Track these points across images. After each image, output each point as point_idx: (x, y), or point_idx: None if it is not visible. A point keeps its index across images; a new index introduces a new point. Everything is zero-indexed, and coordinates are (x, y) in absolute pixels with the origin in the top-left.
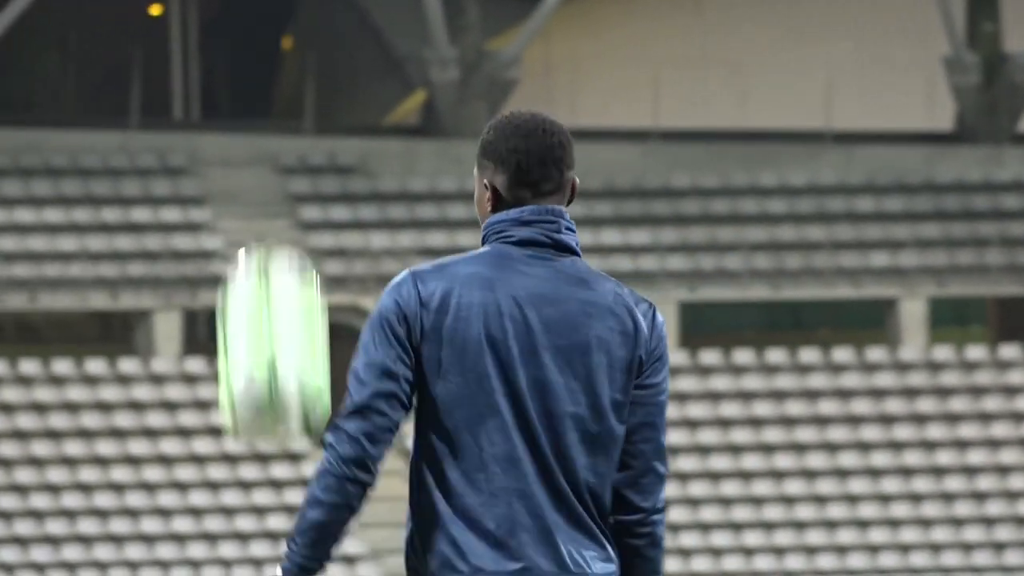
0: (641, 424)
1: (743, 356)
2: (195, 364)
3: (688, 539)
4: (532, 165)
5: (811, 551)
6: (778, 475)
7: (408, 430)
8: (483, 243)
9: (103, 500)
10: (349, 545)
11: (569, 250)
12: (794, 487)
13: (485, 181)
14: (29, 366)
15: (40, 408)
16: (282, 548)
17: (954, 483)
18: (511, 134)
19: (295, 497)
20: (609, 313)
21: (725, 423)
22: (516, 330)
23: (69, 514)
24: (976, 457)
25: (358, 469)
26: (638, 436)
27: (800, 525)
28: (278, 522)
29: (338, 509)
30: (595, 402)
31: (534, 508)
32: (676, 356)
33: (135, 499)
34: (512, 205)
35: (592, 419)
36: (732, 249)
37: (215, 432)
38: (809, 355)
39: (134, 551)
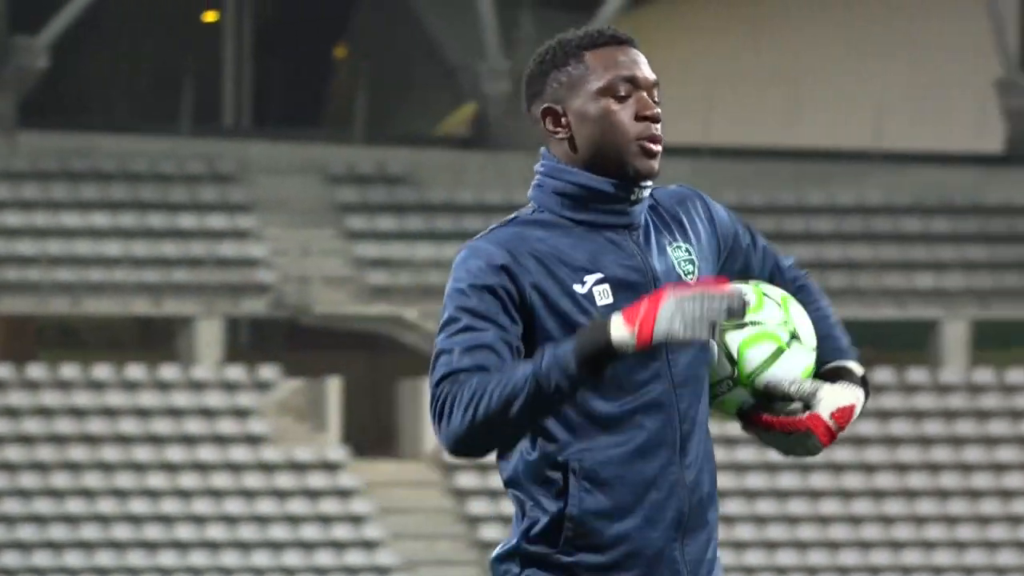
0: None
1: None
2: (235, 372)
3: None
4: None
5: (845, 572)
6: (815, 494)
7: None
8: None
9: (137, 506)
10: (382, 556)
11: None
12: (830, 507)
13: None
14: (70, 371)
15: (79, 413)
16: None
17: (990, 506)
18: None
19: (329, 507)
20: None
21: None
22: None
23: (102, 519)
24: (1013, 481)
25: None
26: None
27: (834, 545)
28: (312, 532)
29: None
30: None
31: None
32: None
33: (170, 506)
34: None
35: None
36: None
37: (252, 440)
38: None
39: (167, 558)
